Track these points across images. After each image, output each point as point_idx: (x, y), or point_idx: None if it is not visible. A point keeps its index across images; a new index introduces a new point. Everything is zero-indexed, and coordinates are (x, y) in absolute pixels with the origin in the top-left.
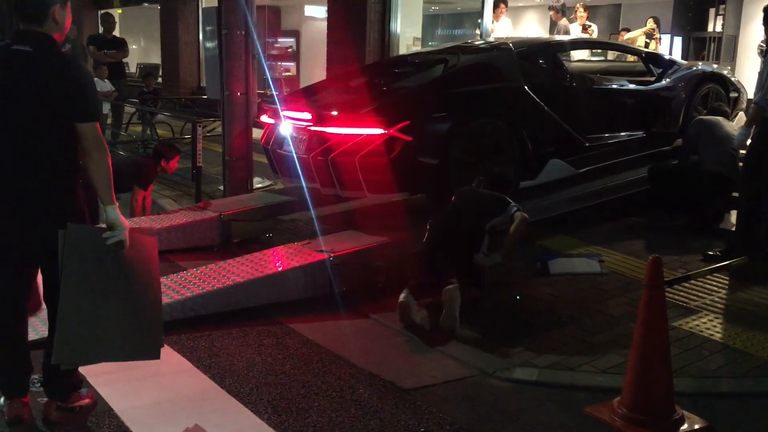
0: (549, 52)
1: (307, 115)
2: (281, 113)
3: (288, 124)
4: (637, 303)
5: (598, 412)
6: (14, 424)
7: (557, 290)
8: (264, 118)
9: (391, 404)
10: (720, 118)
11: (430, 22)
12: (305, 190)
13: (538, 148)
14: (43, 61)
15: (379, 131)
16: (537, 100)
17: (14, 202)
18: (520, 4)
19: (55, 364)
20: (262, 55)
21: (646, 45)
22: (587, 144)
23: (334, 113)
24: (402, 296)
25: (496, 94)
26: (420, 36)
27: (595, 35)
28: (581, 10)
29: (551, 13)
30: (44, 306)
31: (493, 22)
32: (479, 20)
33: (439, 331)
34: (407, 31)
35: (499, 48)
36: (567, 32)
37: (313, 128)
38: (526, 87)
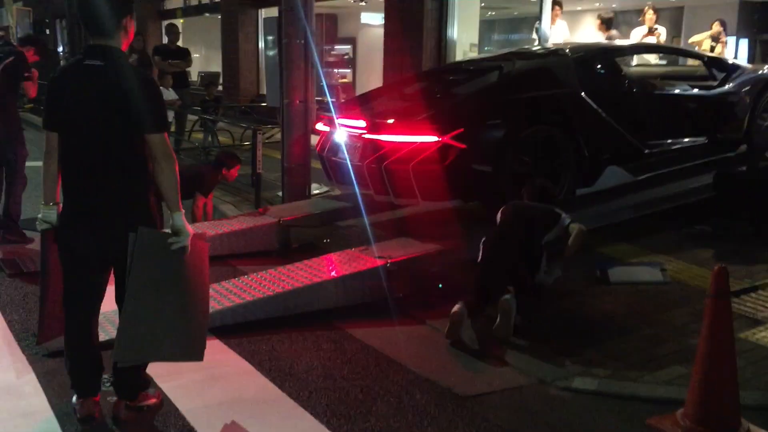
0: (607, 58)
1: (362, 123)
2: (336, 121)
3: (342, 131)
4: (700, 313)
5: (661, 424)
6: (86, 422)
7: (617, 299)
8: (319, 126)
9: (449, 411)
10: None
11: (486, 27)
12: (359, 196)
13: (595, 155)
14: (114, 75)
15: (432, 139)
16: (594, 106)
17: (92, 210)
18: (579, 8)
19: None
20: (318, 63)
21: (712, 48)
22: (646, 150)
23: (388, 121)
24: (457, 307)
25: (552, 101)
26: (476, 42)
27: (662, 38)
28: (650, 12)
29: (597, 23)
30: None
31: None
32: (536, 24)
33: (493, 341)
34: (464, 37)
35: (556, 54)
36: None
37: (367, 136)
38: (582, 93)
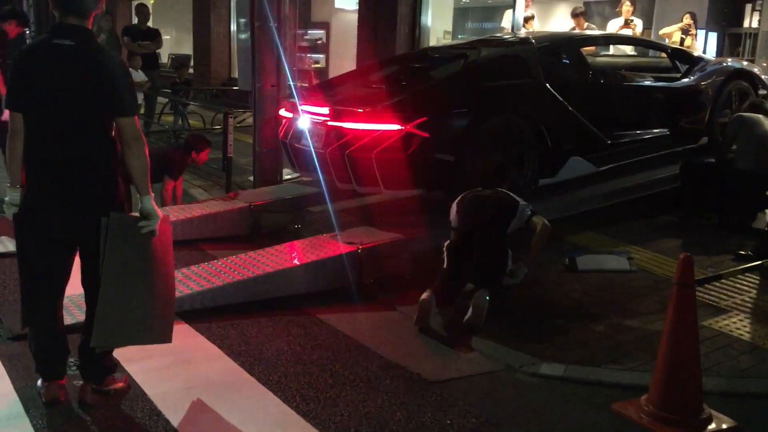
0: (572, 48)
1: (325, 110)
2: (299, 107)
3: (306, 118)
4: (666, 301)
5: (625, 410)
6: (51, 406)
7: (585, 287)
8: (282, 112)
9: (418, 396)
10: (761, 116)
11: (460, 15)
12: (323, 183)
13: (558, 146)
14: (85, 56)
15: (395, 127)
16: (558, 96)
17: (61, 192)
18: None
19: (90, 347)
20: (281, 48)
21: (682, 41)
22: (609, 141)
23: (351, 108)
24: (425, 295)
25: (516, 90)
26: (450, 29)
27: (638, 30)
28: (627, 3)
29: (574, 20)
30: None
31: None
32: (510, 11)
33: (461, 329)
34: (438, 24)
35: (521, 43)
36: None
37: (330, 123)
38: (546, 83)
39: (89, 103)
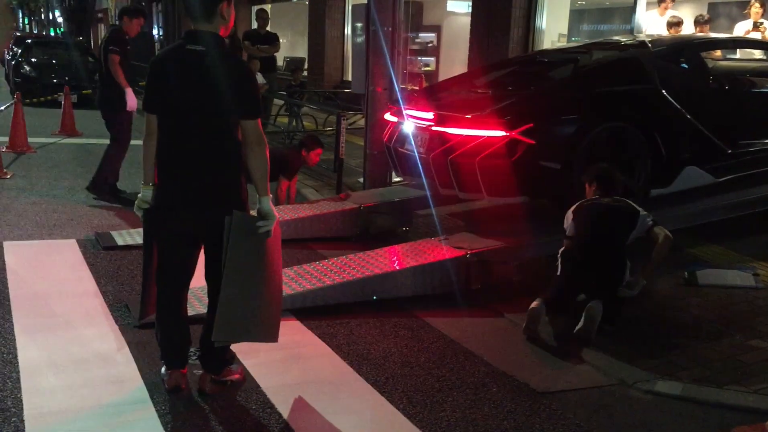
0: (691, 52)
1: (429, 115)
2: (404, 112)
3: (410, 123)
4: None
5: None
6: (173, 392)
7: (705, 302)
8: (387, 116)
9: (525, 406)
10: None
11: (576, 17)
12: (426, 188)
13: (672, 155)
14: (215, 61)
15: (500, 133)
16: (674, 103)
17: (190, 191)
18: None
19: (211, 339)
20: (394, 52)
21: None
22: (730, 150)
23: (456, 114)
24: (535, 303)
25: (628, 97)
26: (566, 32)
27: None
28: (756, 5)
29: (696, 28)
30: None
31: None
32: (656, 14)
33: (572, 339)
34: (552, 27)
35: (635, 47)
36: None
37: (434, 128)
38: (662, 89)
39: (217, 106)
